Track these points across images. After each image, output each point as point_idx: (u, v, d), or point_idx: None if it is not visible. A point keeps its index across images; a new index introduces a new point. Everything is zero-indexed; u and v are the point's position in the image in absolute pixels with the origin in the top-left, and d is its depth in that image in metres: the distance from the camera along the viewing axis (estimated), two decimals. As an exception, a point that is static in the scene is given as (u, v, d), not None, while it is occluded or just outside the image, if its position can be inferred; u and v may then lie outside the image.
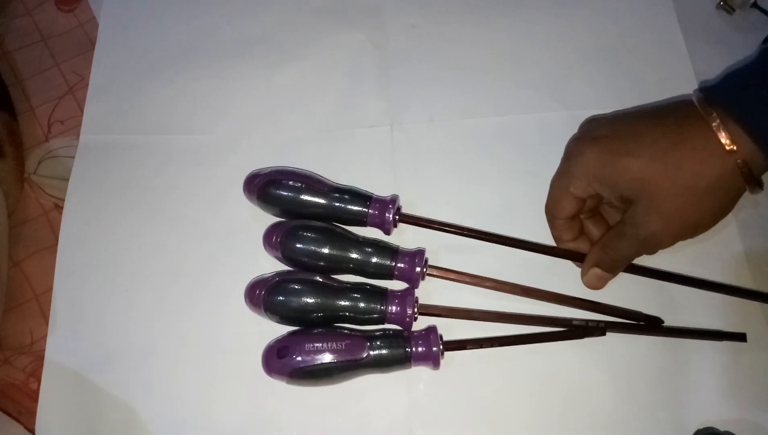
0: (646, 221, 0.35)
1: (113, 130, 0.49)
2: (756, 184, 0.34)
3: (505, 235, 0.42)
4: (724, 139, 0.33)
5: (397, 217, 0.42)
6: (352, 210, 0.42)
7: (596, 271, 0.39)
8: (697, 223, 0.36)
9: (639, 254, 0.38)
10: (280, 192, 0.42)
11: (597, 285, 0.40)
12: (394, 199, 0.42)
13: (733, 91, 0.35)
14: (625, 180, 0.35)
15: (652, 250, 0.38)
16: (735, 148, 0.33)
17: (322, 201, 0.41)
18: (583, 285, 0.41)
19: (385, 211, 0.41)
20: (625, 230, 0.37)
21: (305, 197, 0.41)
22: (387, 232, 0.43)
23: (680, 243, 0.38)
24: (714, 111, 0.34)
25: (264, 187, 0.42)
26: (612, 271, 0.39)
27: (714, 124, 0.34)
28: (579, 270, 0.42)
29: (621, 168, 0.35)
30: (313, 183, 0.42)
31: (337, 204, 0.42)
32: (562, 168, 0.40)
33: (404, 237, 0.44)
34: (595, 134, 0.38)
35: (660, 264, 0.42)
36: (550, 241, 0.42)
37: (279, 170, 0.43)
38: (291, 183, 0.42)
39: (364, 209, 0.42)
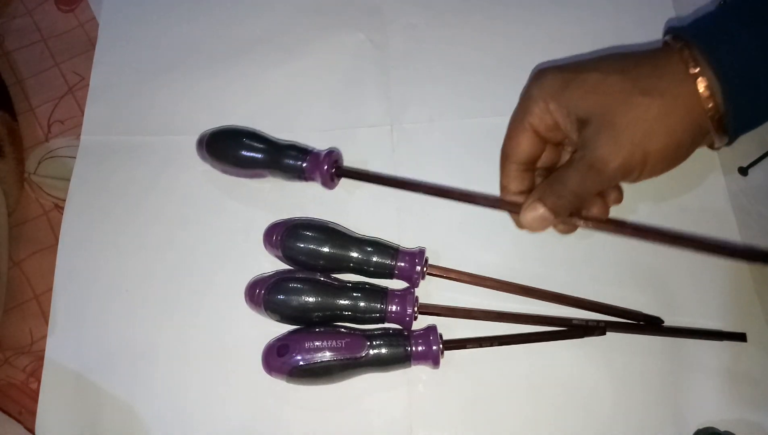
0: (597, 140, 0.34)
1: (114, 130, 0.49)
2: (718, 116, 0.33)
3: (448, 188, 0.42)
4: (687, 60, 0.33)
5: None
6: None
7: (538, 207, 0.35)
8: (647, 149, 0.33)
9: (585, 186, 0.35)
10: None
11: (535, 224, 0.36)
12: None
13: (703, 26, 0.34)
14: (582, 93, 0.35)
15: (600, 180, 0.35)
16: (697, 71, 0.33)
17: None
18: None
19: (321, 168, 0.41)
20: (573, 157, 0.35)
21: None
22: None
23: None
24: (680, 42, 0.34)
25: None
26: (555, 208, 0.35)
27: (678, 45, 0.34)
28: (579, 269, 0.42)
29: (579, 82, 0.35)
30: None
31: None
32: (521, 96, 0.38)
33: (404, 236, 0.44)
34: (559, 65, 0.37)
35: (660, 261, 0.43)
36: (550, 243, 0.42)
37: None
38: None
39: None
